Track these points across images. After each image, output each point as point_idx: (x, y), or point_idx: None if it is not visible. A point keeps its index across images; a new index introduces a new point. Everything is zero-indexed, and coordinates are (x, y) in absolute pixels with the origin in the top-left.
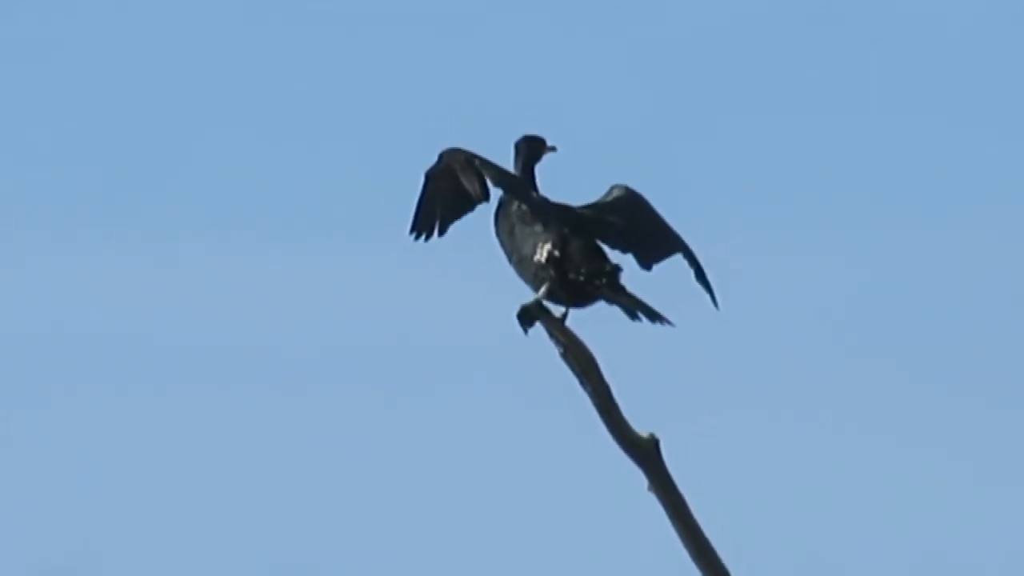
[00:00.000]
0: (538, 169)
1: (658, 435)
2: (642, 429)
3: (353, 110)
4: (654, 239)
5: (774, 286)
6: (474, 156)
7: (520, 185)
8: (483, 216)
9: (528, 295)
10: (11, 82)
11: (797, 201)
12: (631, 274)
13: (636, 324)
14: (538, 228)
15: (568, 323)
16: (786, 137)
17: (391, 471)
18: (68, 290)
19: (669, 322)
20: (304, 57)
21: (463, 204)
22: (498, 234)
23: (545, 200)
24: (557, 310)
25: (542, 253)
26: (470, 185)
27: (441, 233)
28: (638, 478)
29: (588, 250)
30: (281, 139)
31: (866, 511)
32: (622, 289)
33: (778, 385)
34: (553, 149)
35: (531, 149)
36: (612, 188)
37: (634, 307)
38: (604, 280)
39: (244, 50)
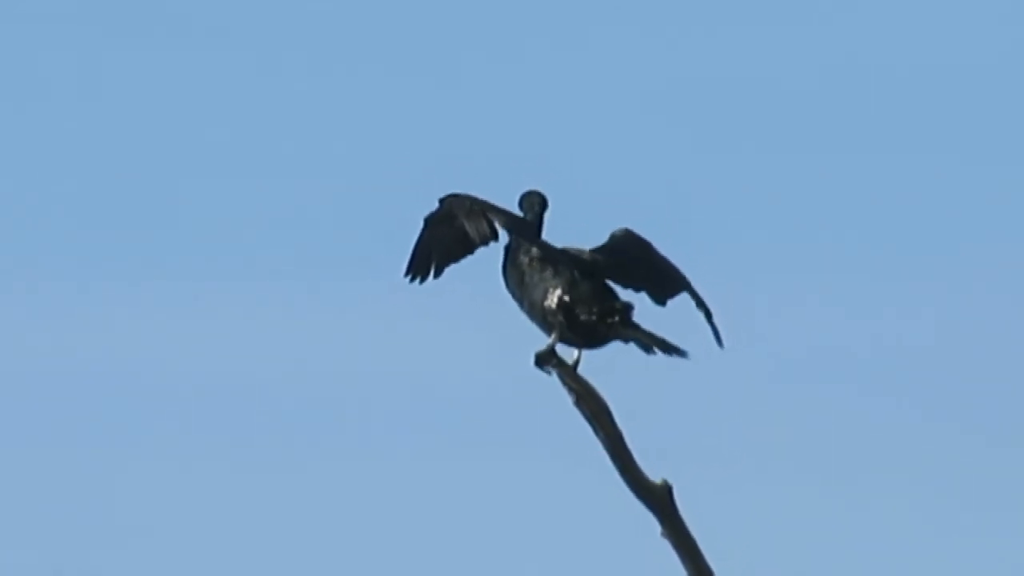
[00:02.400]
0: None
1: (671, 481)
2: (655, 475)
3: (365, 151)
4: (662, 278)
5: (787, 331)
6: (481, 202)
7: (531, 229)
8: (493, 263)
9: (543, 340)
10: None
11: (811, 245)
12: (646, 311)
13: (648, 371)
14: (547, 274)
15: (581, 370)
16: (796, 180)
17: (403, 515)
18: (63, 330)
19: (684, 353)
20: (303, 98)
21: (463, 248)
22: (507, 284)
23: (552, 246)
24: (571, 355)
25: (552, 298)
26: (476, 229)
27: (436, 275)
28: (651, 524)
29: (598, 291)
30: (283, 176)
31: (881, 559)
32: (635, 326)
33: (790, 431)
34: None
35: (532, 204)
36: (614, 232)
37: (649, 342)
38: (616, 318)
39: (242, 91)
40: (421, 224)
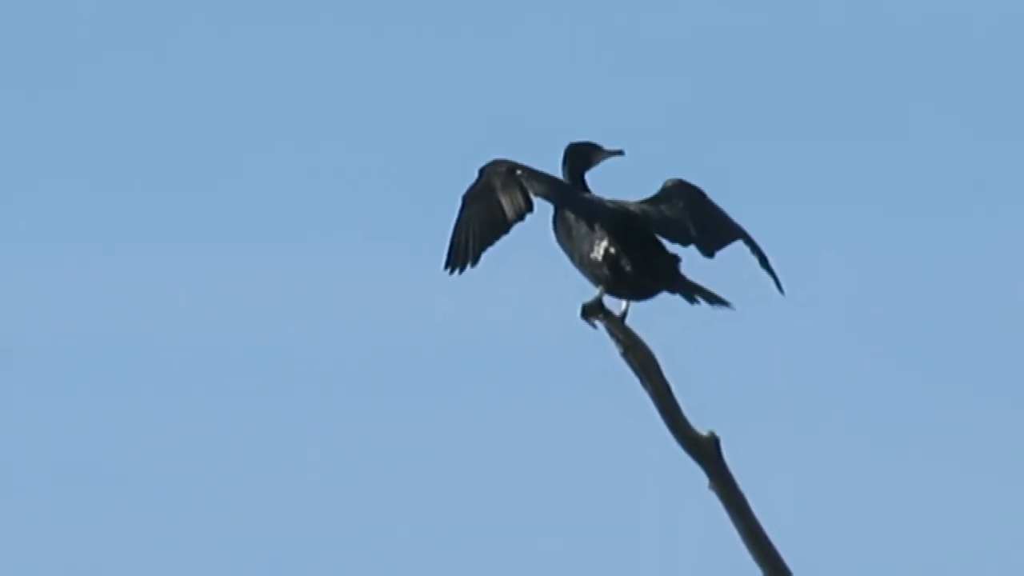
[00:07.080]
0: (595, 170)
1: (718, 433)
2: (702, 428)
3: (398, 116)
4: (714, 228)
5: (838, 286)
6: (517, 168)
7: (569, 193)
8: (544, 214)
9: (591, 292)
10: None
11: (865, 201)
12: (694, 264)
13: (695, 323)
14: (595, 226)
15: (628, 322)
16: (846, 130)
17: (453, 468)
18: (66, 292)
19: (729, 305)
20: (333, 68)
21: (498, 228)
22: (557, 237)
23: (600, 199)
24: (619, 307)
25: (599, 251)
26: (510, 203)
27: (474, 263)
28: (699, 476)
29: (645, 243)
30: (313, 141)
31: (930, 513)
32: (681, 278)
33: (840, 384)
34: (620, 153)
35: (579, 156)
36: (666, 182)
37: (694, 293)
38: (662, 271)
39: (270, 59)
40: (459, 204)
